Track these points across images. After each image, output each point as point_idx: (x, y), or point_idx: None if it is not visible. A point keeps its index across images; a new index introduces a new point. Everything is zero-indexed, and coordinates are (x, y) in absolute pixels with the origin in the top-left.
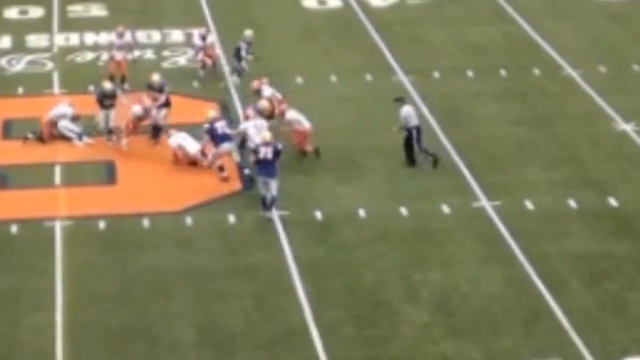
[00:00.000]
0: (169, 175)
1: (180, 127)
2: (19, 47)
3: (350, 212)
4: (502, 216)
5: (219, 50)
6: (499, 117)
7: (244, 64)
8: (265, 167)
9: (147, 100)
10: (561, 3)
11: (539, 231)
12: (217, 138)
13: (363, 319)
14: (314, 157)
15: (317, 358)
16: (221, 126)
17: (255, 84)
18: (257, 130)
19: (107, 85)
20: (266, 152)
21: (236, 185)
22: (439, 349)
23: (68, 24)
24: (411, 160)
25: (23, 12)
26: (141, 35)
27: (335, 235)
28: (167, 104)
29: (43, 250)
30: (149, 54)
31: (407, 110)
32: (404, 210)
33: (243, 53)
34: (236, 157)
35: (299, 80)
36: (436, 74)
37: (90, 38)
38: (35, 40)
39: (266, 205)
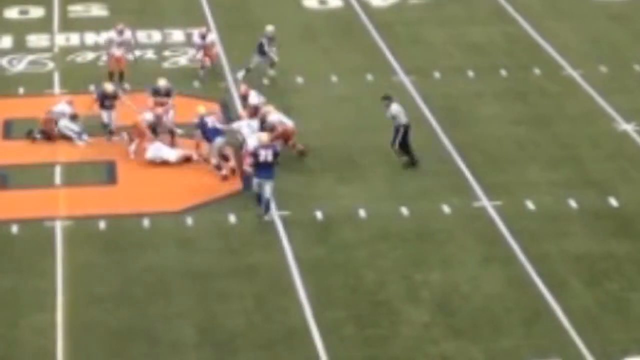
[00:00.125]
0: (169, 175)
1: (180, 127)
2: (20, 47)
3: (351, 212)
4: (502, 216)
5: (219, 50)
6: (499, 117)
7: (272, 56)
8: (266, 169)
9: (158, 108)
10: (561, 3)
11: (540, 231)
12: (208, 133)
13: (363, 319)
14: (315, 157)
15: (318, 358)
16: (211, 121)
17: (241, 89)
18: (250, 130)
19: (109, 87)
20: (266, 155)
21: (236, 185)
22: (439, 349)
23: (68, 24)
24: (411, 159)
25: (23, 12)
26: (142, 35)
27: (335, 235)
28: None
29: (43, 251)
30: (150, 54)
31: (395, 108)
32: (404, 210)
33: (266, 48)
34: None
35: (300, 80)
36: (436, 74)
37: (90, 38)
38: (35, 40)
39: (261, 203)
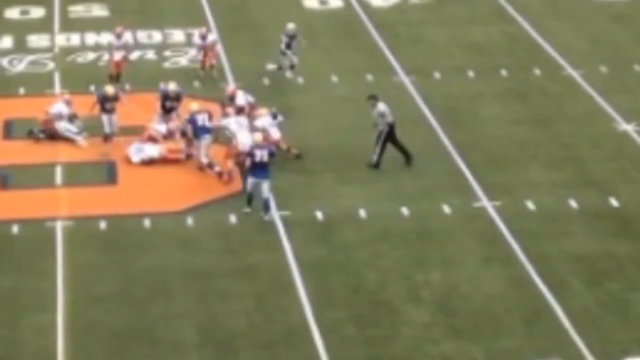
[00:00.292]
0: (169, 175)
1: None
2: (20, 47)
3: (351, 212)
4: (503, 216)
5: (220, 50)
6: (499, 117)
7: (292, 57)
8: (262, 169)
9: (172, 122)
10: (562, 3)
11: (540, 231)
12: (196, 130)
13: (364, 319)
14: (315, 158)
15: (318, 358)
16: (202, 119)
17: (229, 90)
18: (238, 127)
19: (109, 89)
20: (262, 155)
21: (237, 185)
22: (440, 349)
23: (69, 24)
24: (405, 155)
25: (24, 13)
26: (142, 36)
27: (336, 235)
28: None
29: (44, 251)
30: (150, 54)
31: (382, 107)
32: (404, 211)
33: (282, 47)
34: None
35: (300, 80)
36: (437, 74)
37: (91, 38)
38: (36, 40)
39: (252, 203)
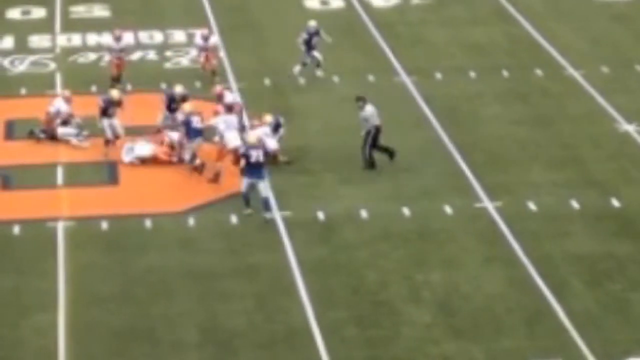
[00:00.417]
0: (171, 175)
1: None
2: (22, 47)
3: (352, 212)
4: (503, 216)
5: (221, 51)
6: (500, 118)
7: (317, 55)
8: (258, 170)
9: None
10: (563, 3)
11: (541, 231)
12: (190, 131)
13: (365, 319)
14: (316, 158)
15: (319, 358)
16: (196, 121)
17: (217, 89)
18: (226, 126)
19: (115, 94)
20: (257, 156)
21: (236, 186)
22: (441, 349)
23: (70, 25)
24: (388, 153)
25: (25, 13)
26: (143, 36)
27: (337, 235)
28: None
29: (45, 251)
30: (152, 55)
31: (369, 109)
32: (405, 211)
33: (300, 42)
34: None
35: (301, 80)
36: (438, 75)
37: (92, 39)
38: (37, 40)
39: (250, 204)
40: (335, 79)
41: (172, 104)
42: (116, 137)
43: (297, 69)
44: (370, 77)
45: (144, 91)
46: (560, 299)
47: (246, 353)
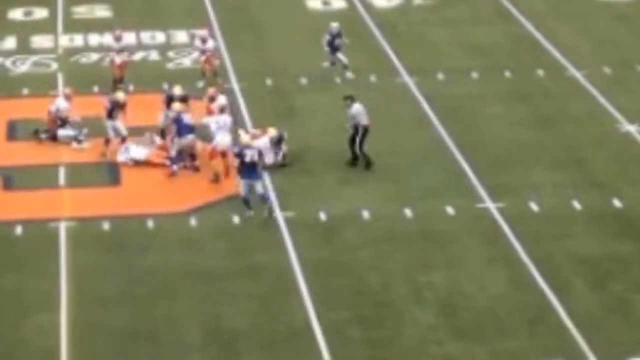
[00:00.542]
0: (173, 176)
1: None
2: (24, 48)
3: (355, 213)
4: (506, 217)
5: (221, 51)
6: (503, 118)
7: (342, 58)
8: (252, 170)
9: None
10: (565, 4)
11: (543, 232)
12: (180, 128)
13: (367, 319)
14: (318, 159)
15: (321, 359)
16: (187, 118)
17: (210, 91)
18: (217, 126)
19: (121, 96)
20: (252, 156)
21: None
22: (443, 349)
23: (72, 25)
24: (354, 158)
25: (28, 13)
26: (145, 36)
27: (339, 236)
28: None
29: (47, 251)
30: (154, 55)
31: (357, 108)
32: (408, 212)
33: (324, 43)
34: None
35: (303, 81)
36: (440, 75)
37: (94, 39)
38: (39, 41)
39: (250, 205)
40: (337, 79)
41: (172, 104)
42: (122, 139)
43: (326, 64)
44: (372, 78)
45: (146, 91)
46: (563, 300)
47: (248, 353)
